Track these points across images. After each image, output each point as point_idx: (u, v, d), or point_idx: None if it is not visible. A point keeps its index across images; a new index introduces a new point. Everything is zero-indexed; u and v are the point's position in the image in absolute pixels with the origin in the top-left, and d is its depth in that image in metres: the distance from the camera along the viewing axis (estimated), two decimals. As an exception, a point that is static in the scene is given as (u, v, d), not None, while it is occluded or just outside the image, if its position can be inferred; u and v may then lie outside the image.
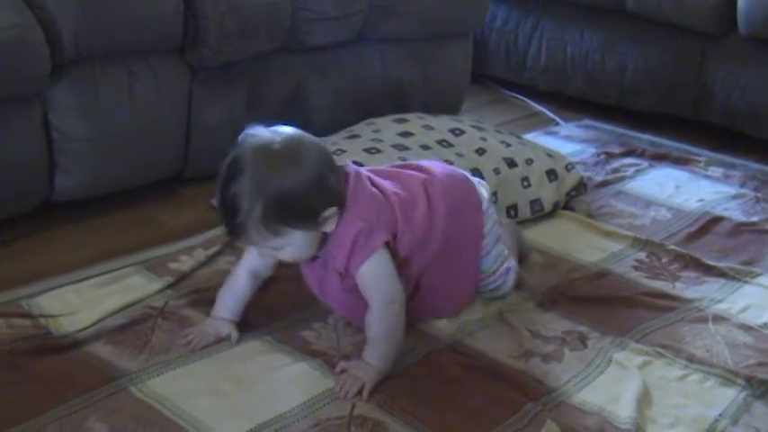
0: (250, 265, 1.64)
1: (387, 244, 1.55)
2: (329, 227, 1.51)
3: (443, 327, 1.69)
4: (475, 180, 1.76)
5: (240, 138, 1.49)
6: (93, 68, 2.06)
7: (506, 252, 1.78)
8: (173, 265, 1.86)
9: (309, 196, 1.46)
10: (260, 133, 1.48)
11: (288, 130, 1.51)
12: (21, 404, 1.42)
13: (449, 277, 1.69)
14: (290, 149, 1.47)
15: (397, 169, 1.71)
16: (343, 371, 1.52)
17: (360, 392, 1.48)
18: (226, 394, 1.47)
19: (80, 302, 1.73)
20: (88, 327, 1.63)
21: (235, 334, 1.62)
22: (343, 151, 2.05)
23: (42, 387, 1.46)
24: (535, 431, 1.41)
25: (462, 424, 1.43)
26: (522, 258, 1.92)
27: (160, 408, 1.43)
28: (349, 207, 1.52)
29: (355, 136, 2.17)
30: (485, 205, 1.72)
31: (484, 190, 1.75)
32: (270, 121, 2.37)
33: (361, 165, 1.98)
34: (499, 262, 1.75)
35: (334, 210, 1.50)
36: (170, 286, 1.79)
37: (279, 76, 2.42)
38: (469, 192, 1.72)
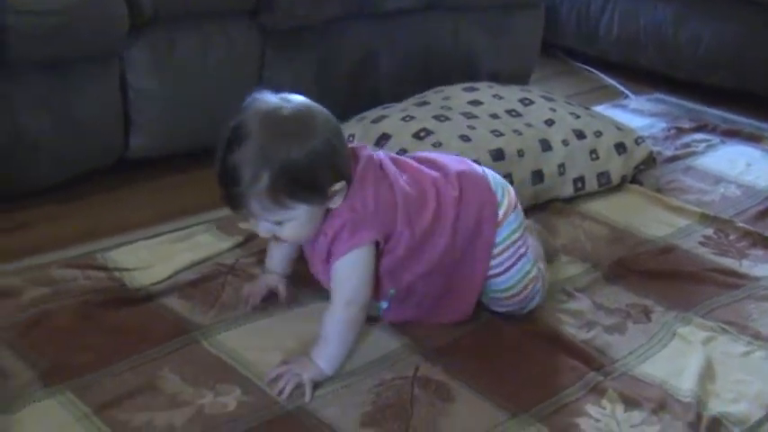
0: None
1: (376, 243, 1.45)
2: (336, 202, 1.41)
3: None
4: (498, 184, 1.59)
5: (246, 102, 1.40)
6: (169, 30, 2.10)
7: (534, 273, 1.61)
8: (242, 225, 1.89)
9: (319, 167, 1.37)
10: (268, 99, 1.39)
11: (297, 97, 1.41)
12: (97, 352, 1.47)
13: (447, 287, 1.57)
14: (301, 117, 1.38)
15: (412, 162, 1.57)
16: (284, 364, 1.45)
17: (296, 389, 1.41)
18: (292, 351, 1.50)
19: (152, 258, 1.78)
20: (162, 281, 1.69)
21: (282, 288, 1.63)
22: (413, 117, 2.07)
23: (117, 337, 1.52)
24: (596, 400, 1.43)
25: (524, 390, 1.45)
26: (548, 261, 1.78)
27: (229, 361, 1.48)
28: (352, 189, 1.43)
29: (425, 103, 2.18)
30: (500, 215, 1.56)
31: (507, 200, 1.57)
32: (339, 85, 2.42)
33: (430, 132, 2.00)
34: (521, 285, 1.59)
35: (343, 184, 1.40)
36: (239, 245, 1.83)
37: (349, 41, 2.44)
38: (485, 203, 1.55)
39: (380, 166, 1.49)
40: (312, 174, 1.36)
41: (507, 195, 1.59)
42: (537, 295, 1.63)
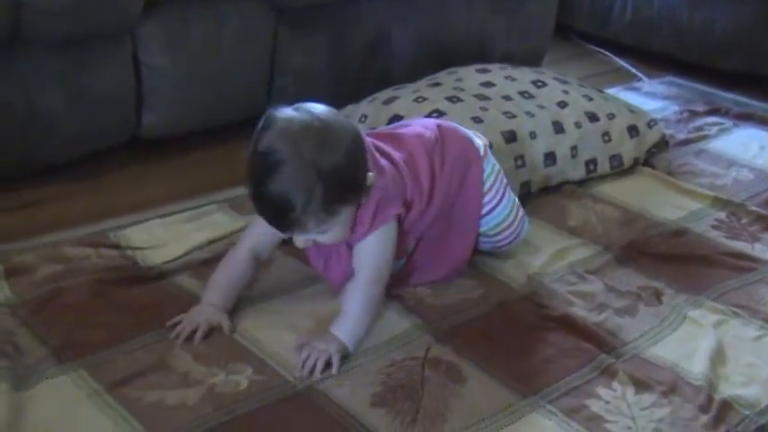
0: (252, 246, 1.54)
1: (398, 216, 1.51)
2: (366, 196, 1.44)
3: (516, 276, 1.71)
4: (469, 132, 1.70)
5: (264, 123, 1.38)
6: (182, 8, 2.10)
7: (517, 201, 1.73)
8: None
9: (357, 166, 1.40)
10: (288, 114, 1.37)
11: (315, 106, 1.40)
12: (110, 330, 1.48)
13: (446, 238, 1.64)
14: (329, 124, 1.37)
15: (390, 131, 1.64)
16: (303, 345, 1.44)
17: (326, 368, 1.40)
18: (304, 330, 1.51)
19: (166, 236, 1.79)
20: (174, 259, 1.69)
21: (227, 324, 1.48)
22: (425, 99, 2.06)
23: (130, 315, 1.52)
24: (607, 382, 1.43)
25: (535, 371, 1.45)
26: None
27: (241, 340, 1.48)
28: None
29: (437, 84, 2.17)
30: (481, 153, 1.66)
31: (479, 140, 1.68)
32: (352, 65, 2.41)
33: (443, 113, 2.00)
34: (513, 214, 1.70)
35: (373, 175, 1.43)
36: (252, 224, 1.84)
37: (363, 21, 2.43)
38: (465, 144, 1.65)
39: (374, 145, 1.53)
40: (354, 173, 1.39)
41: (479, 138, 1.70)
42: (525, 222, 1.74)
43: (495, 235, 1.70)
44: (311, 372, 1.39)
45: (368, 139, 1.52)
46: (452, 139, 1.64)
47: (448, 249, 1.65)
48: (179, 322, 1.49)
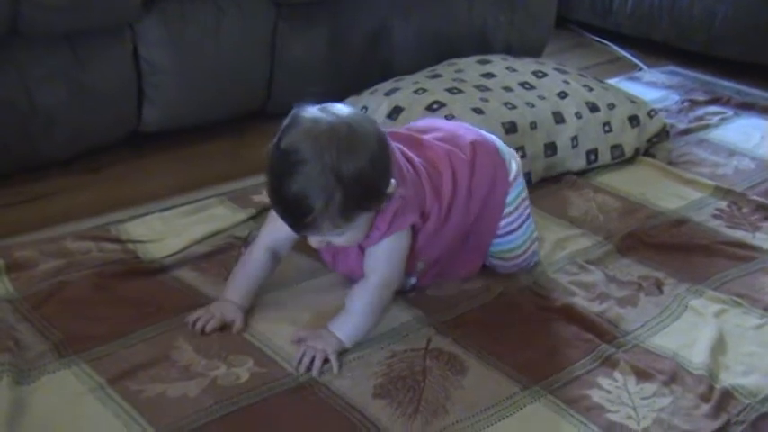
0: (269, 244, 1.53)
1: (413, 225, 1.47)
2: (386, 203, 1.40)
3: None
4: (505, 150, 1.64)
5: (288, 121, 1.34)
6: (182, 2, 2.10)
7: (536, 234, 1.69)
8: (255, 198, 1.90)
9: (381, 173, 1.35)
10: (313, 115, 1.33)
11: (341, 107, 1.36)
12: (111, 323, 1.48)
13: (458, 255, 1.62)
14: (355, 128, 1.32)
15: (417, 135, 1.58)
16: (300, 340, 1.44)
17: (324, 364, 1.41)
18: (305, 323, 1.51)
19: (166, 230, 1.79)
20: (175, 253, 1.69)
21: (239, 322, 1.48)
22: (425, 90, 2.06)
23: (131, 308, 1.52)
24: (608, 372, 1.43)
25: (536, 362, 1.45)
26: None
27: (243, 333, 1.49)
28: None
29: (437, 76, 2.17)
30: (511, 177, 1.61)
31: (515, 163, 1.63)
32: (352, 58, 2.41)
33: (443, 104, 1.99)
34: (525, 246, 1.65)
35: (395, 183, 1.38)
36: (253, 218, 1.84)
37: (363, 13, 2.43)
38: (497, 162, 1.60)
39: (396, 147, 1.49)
40: (376, 182, 1.34)
41: (515, 161, 1.65)
42: (535, 256, 1.70)
43: (500, 258, 1.67)
44: (308, 369, 1.40)
45: (393, 144, 1.45)
46: (486, 160, 1.58)
47: (459, 265, 1.64)
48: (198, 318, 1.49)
